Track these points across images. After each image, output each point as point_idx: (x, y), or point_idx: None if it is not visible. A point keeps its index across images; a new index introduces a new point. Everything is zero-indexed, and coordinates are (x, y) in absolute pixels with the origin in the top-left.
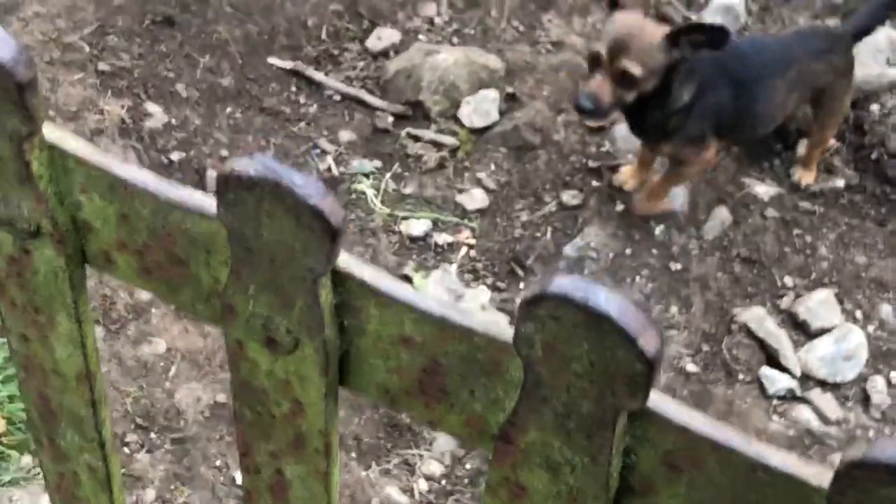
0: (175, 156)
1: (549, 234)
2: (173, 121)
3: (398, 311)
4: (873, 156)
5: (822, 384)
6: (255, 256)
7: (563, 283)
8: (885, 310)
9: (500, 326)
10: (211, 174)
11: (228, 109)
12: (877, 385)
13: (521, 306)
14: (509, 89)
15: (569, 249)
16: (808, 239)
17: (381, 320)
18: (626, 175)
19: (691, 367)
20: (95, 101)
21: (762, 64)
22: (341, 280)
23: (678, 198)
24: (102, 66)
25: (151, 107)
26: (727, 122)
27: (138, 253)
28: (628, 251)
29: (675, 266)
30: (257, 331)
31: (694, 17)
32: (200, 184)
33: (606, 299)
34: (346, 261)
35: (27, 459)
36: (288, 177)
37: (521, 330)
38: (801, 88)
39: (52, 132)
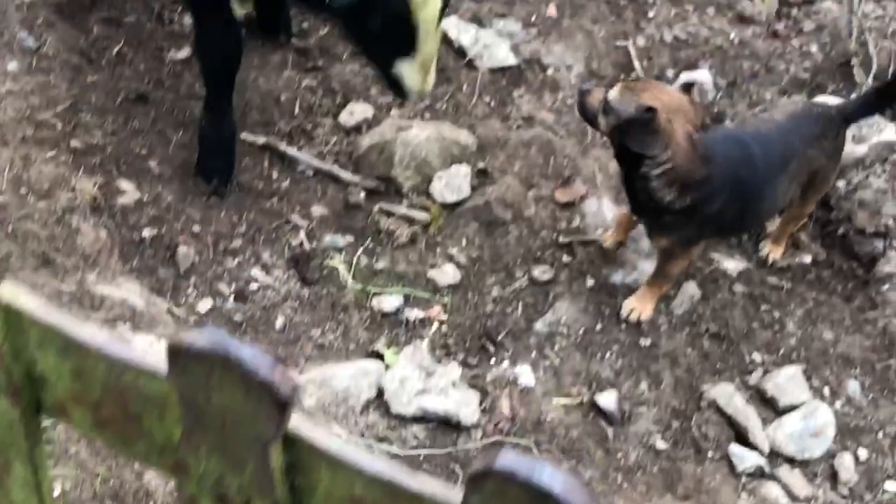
0: (146, 233)
1: (519, 310)
2: (145, 197)
3: (349, 473)
4: (840, 231)
5: (791, 461)
6: (206, 420)
7: (508, 461)
8: (852, 386)
9: (449, 494)
10: (182, 250)
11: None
12: (844, 462)
13: (469, 480)
14: (481, 164)
15: (539, 325)
16: (776, 314)
17: (332, 481)
18: (607, 237)
19: (661, 445)
20: (68, 179)
21: (770, 165)
22: (292, 442)
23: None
24: (75, 143)
25: (124, 184)
26: (729, 225)
27: (93, 407)
28: (598, 327)
29: (645, 342)
30: (209, 487)
31: None
32: (171, 260)
33: (551, 477)
34: (298, 424)
35: None
36: (236, 350)
37: (468, 501)
38: (799, 177)
39: (9, 290)
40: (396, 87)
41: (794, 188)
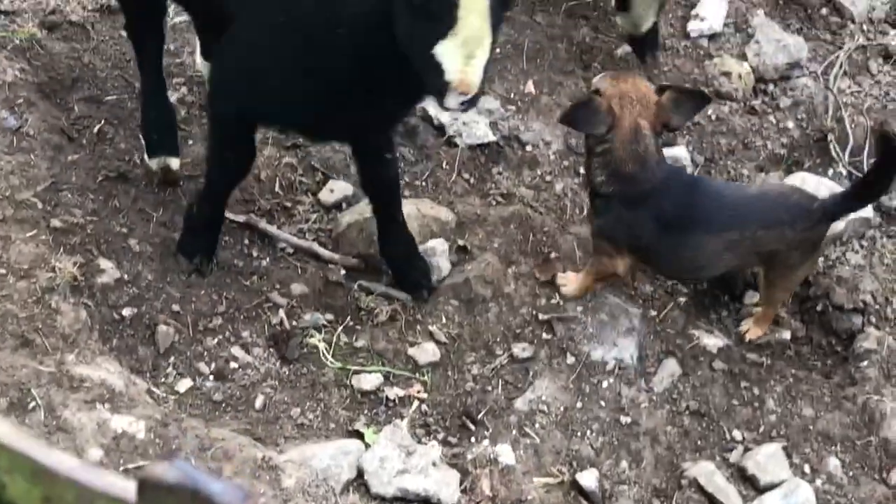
0: (127, 312)
1: (500, 388)
2: (125, 276)
3: None
4: (819, 307)
5: None
6: None
7: None
8: (833, 463)
9: None
10: (162, 329)
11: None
12: None
13: None
14: (460, 241)
15: (520, 403)
16: (756, 391)
17: None
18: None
19: None
20: (48, 259)
21: (706, 219)
22: None
23: (627, 350)
24: (55, 222)
25: (104, 263)
26: (645, 250)
27: None
28: (579, 404)
29: (626, 419)
30: None
31: None
32: (151, 339)
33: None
34: None
35: None
36: (206, 485)
37: None
38: (741, 253)
39: None
40: (436, 86)
41: (734, 261)
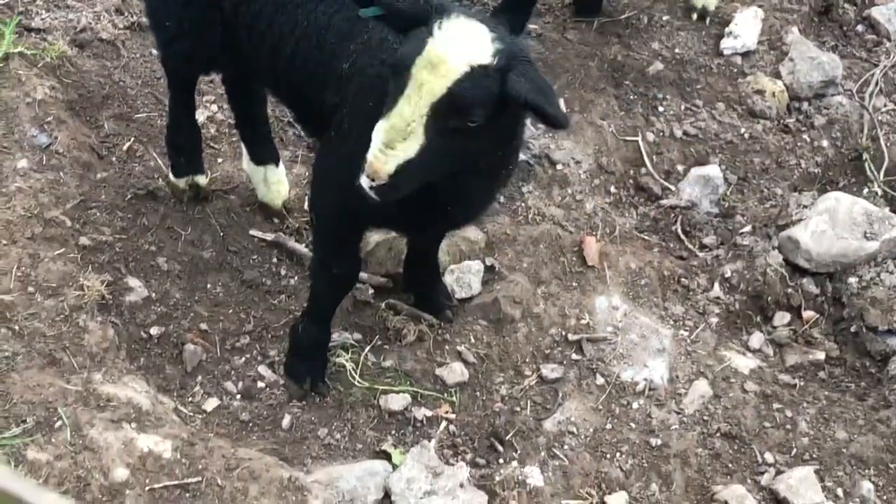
0: (154, 330)
1: (528, 409)
2: (153, 295)
3: None
4: (852, 329)
5: None
6: None
7: None
8: (866, 487)
9: None
10: (190, 348)
11: (209, 283)
12: None
13: None
14: (489, 261)
15: (548, 424)
16: (789, 413)
17: None
18: None
19: None
20: (76, 277)
21: None
22: None
23: (658, 371)
24: (84, 240)
25: (132, 281)
26: None
27: None
28: (608, 426)
29: (656, 441)
30: None
31: (673, 188)
32: (179, 358)
33: None
34: None
35: None
36: None
37: None
38: None
39: None
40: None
41: None
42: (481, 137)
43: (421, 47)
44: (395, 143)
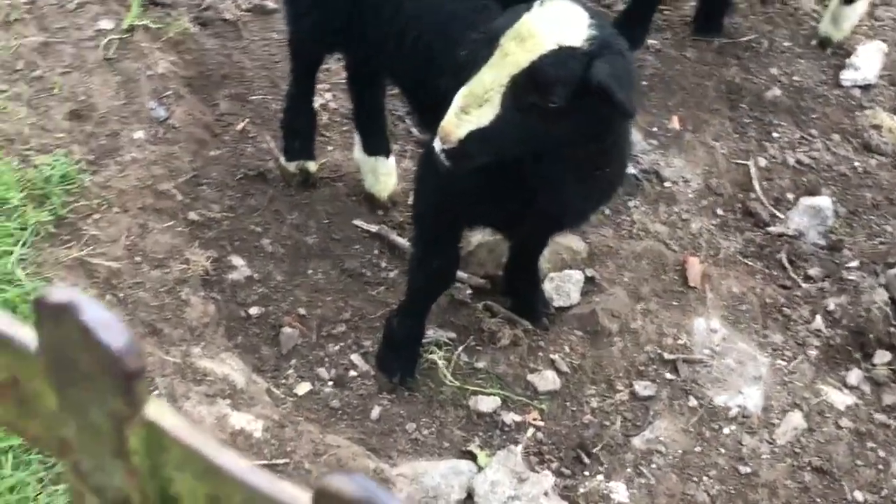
0: (253, 310)
1: (618, 424)
2: (255, 275)
3: None
4: None
5: None
6: None
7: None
8: None
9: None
10: (287, 331)
11: (310, 269)
12: None
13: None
14: (590, 272)
15: (637, 441)
16: (882, 453)
17: None
18: None
19: None
20: (182, 251)
21: None
22: None
23: (752, 398)
24: (193, 215)
25: (236, 259)
26: None
27: None
28: (697, 448)
29: (745, 469)
30: None
31: (781, 216)
32: (275, 340)
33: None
34: None
35: None
36: (384, 501)
37: None
38: None
39: (155, 409)
40: None
41: None
42: (562, 122)
43: (514, 20)
44: (470, 108)
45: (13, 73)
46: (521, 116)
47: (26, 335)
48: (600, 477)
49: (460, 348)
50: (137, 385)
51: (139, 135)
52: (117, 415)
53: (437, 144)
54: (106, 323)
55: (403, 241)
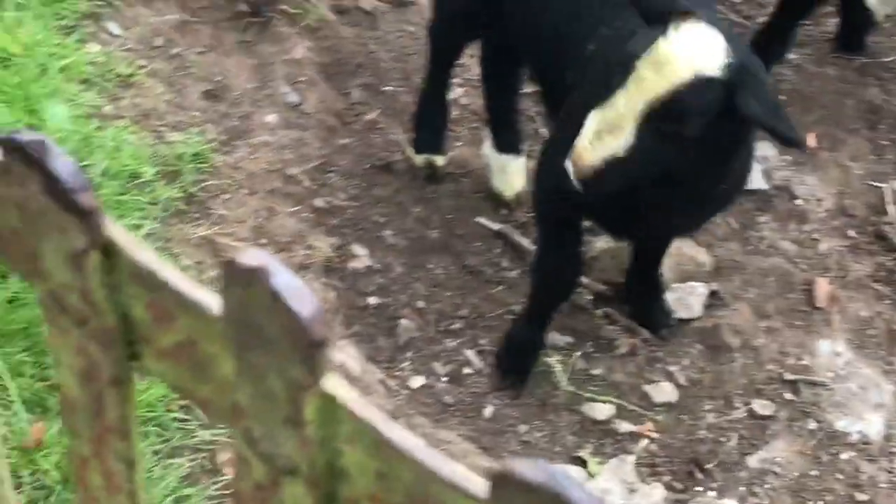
0: (372, 300)
1: (734, 441)
2: (376, 265)
3: None
4: None
5: None
6: None
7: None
8: None
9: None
10: (404, 323)
11: (431, 263)
12: None
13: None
14: (714, 286)
15: (753, 460)
16: None
17: None
18: None
19: None
20: (306, 236)
21: None
22: None
23: (874, 425)
24: (319, 202)
25: (358, 249)
26: None
27: None
28: (814, 472)
29: (861, 496)
30: None
31: None
32: (392, 331)
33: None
34: None
35: None
36: (569, 490)
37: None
38: None
39: (332, 381)
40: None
41: None
42: (694, 150)
43: (649, 44)
44: (603, 134)
45: (152, 50)
46: (654, 145)
47: (208, 297)
48: (712, 493)
49: (577, 354)
50: (320, 354)
51: (271, 118)
52: (296, 383)
53: (569, 167)
54: (296, 289)
55: (526, 243)
